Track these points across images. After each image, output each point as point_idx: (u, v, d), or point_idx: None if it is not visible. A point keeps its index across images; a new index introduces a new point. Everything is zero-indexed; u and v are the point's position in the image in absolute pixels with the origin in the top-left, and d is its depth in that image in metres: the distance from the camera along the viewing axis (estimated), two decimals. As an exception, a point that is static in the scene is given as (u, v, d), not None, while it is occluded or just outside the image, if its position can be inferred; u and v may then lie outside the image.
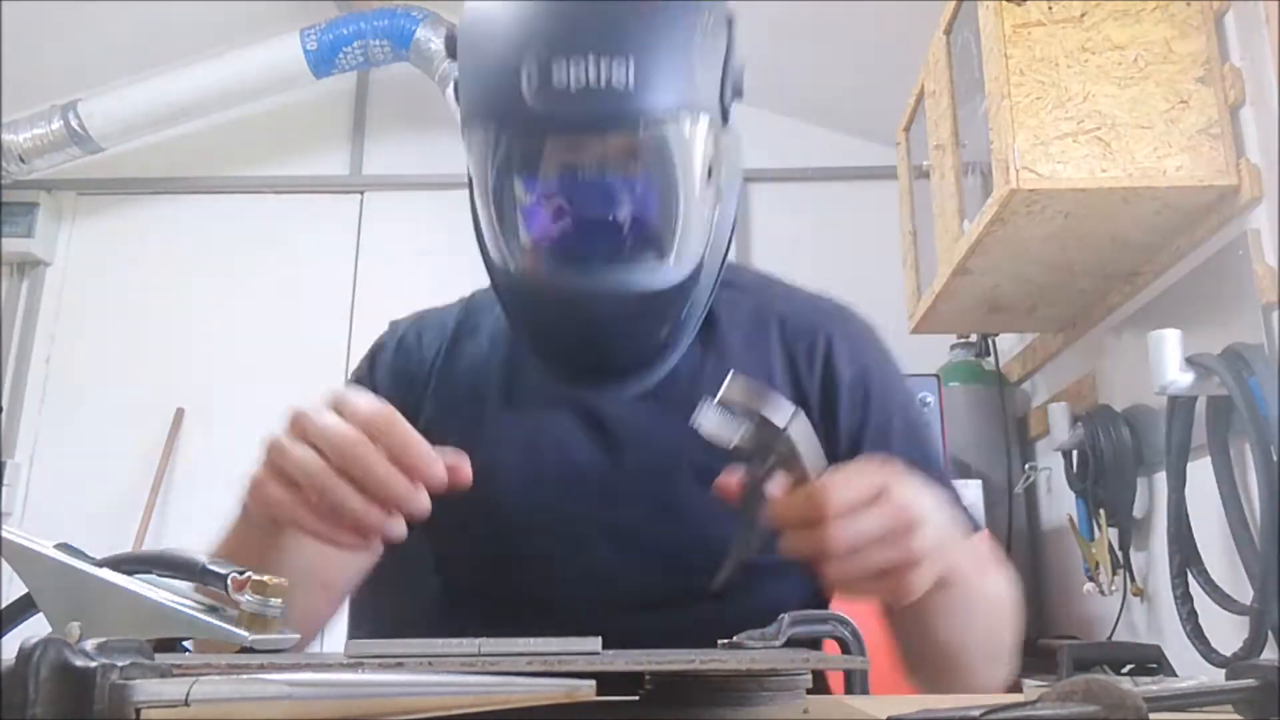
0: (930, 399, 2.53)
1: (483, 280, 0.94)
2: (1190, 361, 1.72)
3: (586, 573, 0.89)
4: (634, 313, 0.85)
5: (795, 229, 3.45)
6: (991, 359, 2.91)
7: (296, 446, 0.65)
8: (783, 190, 3.51)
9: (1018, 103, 1.82)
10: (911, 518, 0.64)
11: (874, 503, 0.63)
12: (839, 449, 0.91)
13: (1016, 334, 2.91)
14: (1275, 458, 1.55)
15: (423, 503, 0.65)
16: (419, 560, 0.96)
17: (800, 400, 0.91)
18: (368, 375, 1.01)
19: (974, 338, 2.97)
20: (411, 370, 0.98)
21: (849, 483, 0.64)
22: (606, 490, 0.90)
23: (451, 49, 0.86)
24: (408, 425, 0.66)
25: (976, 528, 0.93)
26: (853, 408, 0.93)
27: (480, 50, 0.82)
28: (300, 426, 0.66)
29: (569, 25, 0.79)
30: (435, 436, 0.72)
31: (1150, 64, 1.83)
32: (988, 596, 0.85)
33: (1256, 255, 1.73)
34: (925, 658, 0.86)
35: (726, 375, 0.85)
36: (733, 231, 0.92)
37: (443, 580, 0.98)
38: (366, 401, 0.67)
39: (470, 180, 0.87)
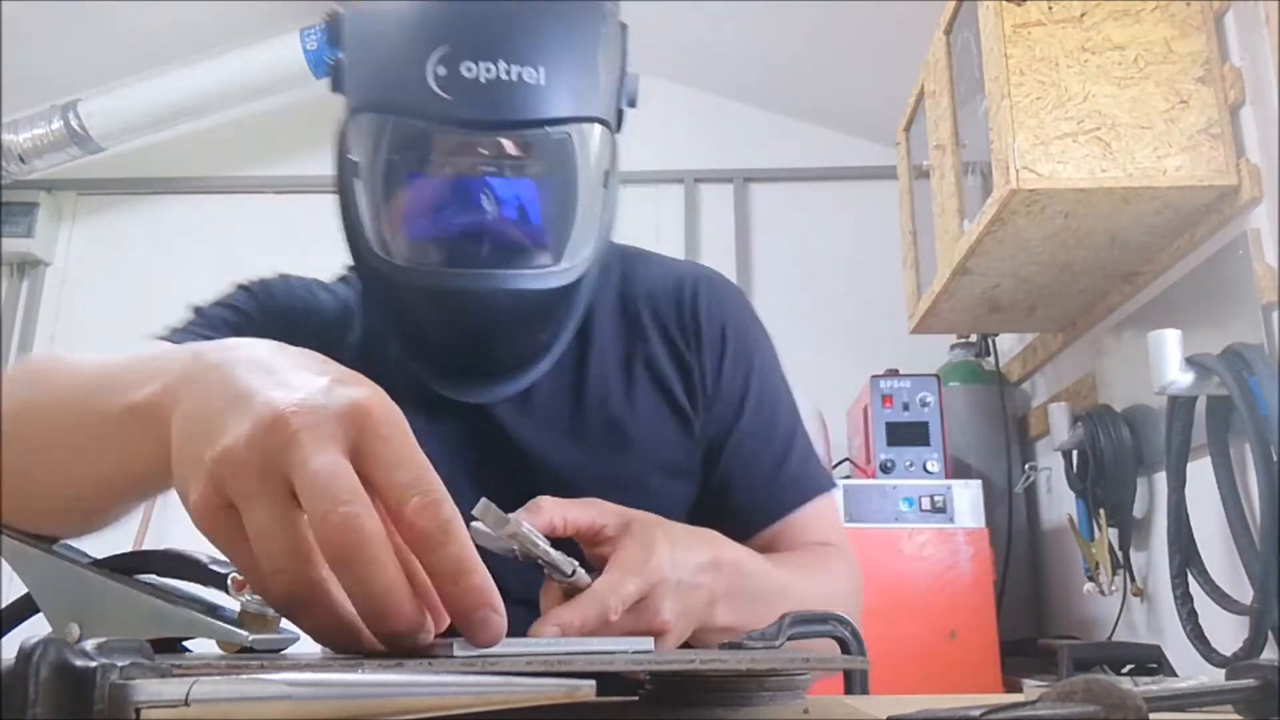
0: (931, 399, 2.53)
1: None
2: (1190, 361, 1.72)
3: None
4: (522, 314, 0.84)
5: (795, 229, 3.45)
6: (991, 359, 2.91)
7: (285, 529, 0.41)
8: (783, 190, 3.51)
9: (1018, 103, 1.82)
10: (658, 601, 0.66)
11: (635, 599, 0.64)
12: (714, 405, 0.95)
13: (1016, 334, 2.92)
14: (1275, 458, 1.55)
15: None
16: None
17: (685, 370, 0.94)
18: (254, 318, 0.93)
19: (974, 338, 2.98)
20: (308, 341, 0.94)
21: (606, 597, 0.62)
22: (498, 494, 0.89)
23: (335, 33, 0.85)
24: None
25: (825, 489, 0.96)
26: (715, 369, 0.96)
27: (385, 36, 0.80)
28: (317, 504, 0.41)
29: (480, 21, 0.78)
30: None
31: (1150, 64, 1.83)
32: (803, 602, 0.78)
33: (1256, 255, 1.73)
34: None
35: (601, 371, 0.92)
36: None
37: None
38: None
39: (343, 170, 0.85)
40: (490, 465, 0.91)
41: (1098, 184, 1.77)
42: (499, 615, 0.42)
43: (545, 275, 0.82)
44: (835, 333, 3.25)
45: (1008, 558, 2.61)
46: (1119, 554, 2.14)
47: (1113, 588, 2.15)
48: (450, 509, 0.42)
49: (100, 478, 0.54)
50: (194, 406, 0.45)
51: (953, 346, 3.02)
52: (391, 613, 0.40)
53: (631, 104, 0.87)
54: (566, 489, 0.88)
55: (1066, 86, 1.82)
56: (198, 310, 0.91)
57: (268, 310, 0.93)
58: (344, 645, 0.43)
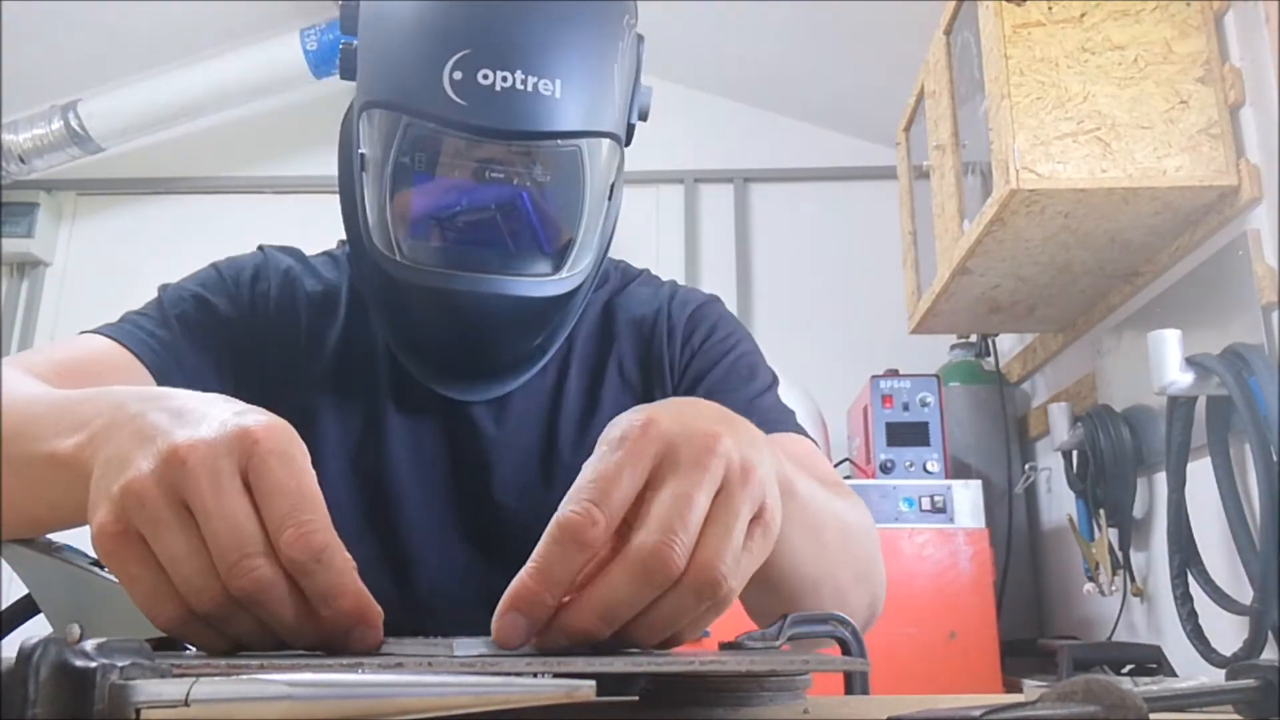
0: (931, 399, 2.53)
1: None
2: (1190, 361, 1.73)
3: (452, 573, 0.90)
4: (519, 319, 0.85)
5: (795, 229, 3.45)
6: (991, 359, 2.91)
7: (178, 536, 0.44)
8: (783, 190, 3.51)
9: (1018, 103, 1.82)
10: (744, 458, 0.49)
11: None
12: (686, 373, 0.95)
13: (1016, 334, 2.92)
14: (1275, 457, 1.55)
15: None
16: None
17: (657, 366, 0.95)
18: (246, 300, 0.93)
19: (974, 338, 2.98)
20: (294, 331, 0.93)
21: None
22: (471, 494, 0.91)
23: (351, 19, 0.85)
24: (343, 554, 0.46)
25: (804, 434, 0.93)
26: (684, 347, 0.97)
27: (403, 32, 0.80)
28: (201, 503, 0.44)
29: (500, 28, 0.78)
30: (326, 418, 0.76)
31: (1150, 64, 1.83)
32: (836, 514, 0.72)
33: (1256, 255, 1.73)
34: (776, 585, 0.67)
35: (579, 378, 0.93)
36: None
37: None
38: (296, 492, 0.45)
39: (349, 163, 0.85)
40: (462, 462, 0.91)
41: (1098, 184, 1.77)
42: (373, 629, 0.46)
43: (545, 283, 0.83)
44: (835, 333, 3.25)
45: (1008, 558, 2.61)
46: (1119, 554, 2.15)
47: (1113, 588, 2.15)
48: (322, 538, 0.44)
49: (32, 514, 0.59)
50: (111, 450, 0.49)
51: (953, 347, 3.02)
52: (296, 642, 0.46)
53: (643, 118, 0.88)
54: (533, 495, 0.90)
55: (1066, 87, 1.82)
56: (159, 303, 0.90)
57: (236, 301, 0.92)
58: (270, 644, 0.47)
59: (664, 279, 1.06)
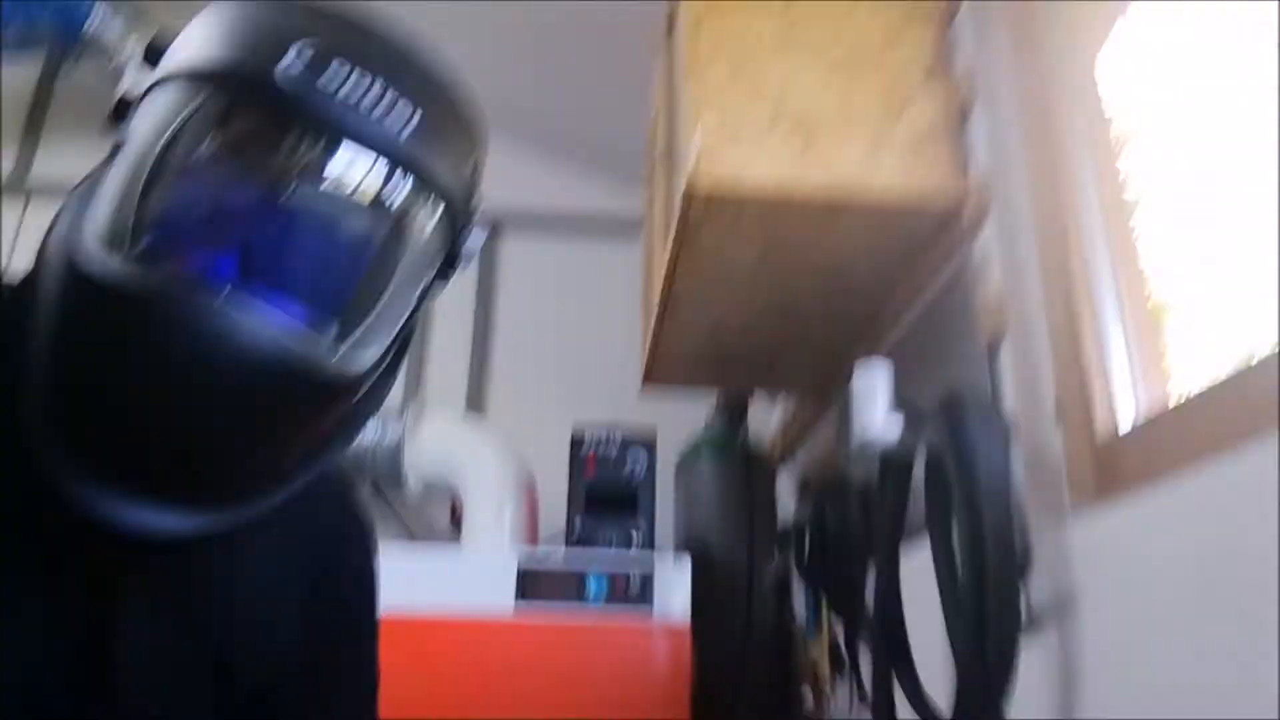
0: (641, 465, 2.14)
1: None
2: (900, 409, 1.39)
3: None
4: (292, 396, 0.64)
5: (542, 278, 3.09)
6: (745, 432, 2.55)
7: None
8: (531, 237, 3.16)
9: (706, 84, 1.48)
10: None
11: None
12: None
13: (770, 401, 2.58)
14: (986, 530, 1.19)
15: None
16: None
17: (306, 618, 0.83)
18: None
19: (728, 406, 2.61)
20: None
21: None
22: None
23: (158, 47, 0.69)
24: None
25: None
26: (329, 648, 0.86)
27: (245, 9, 0.66)
28: None
29: (363, 25, 0.67)
30: None
31: (864, 60, 1.53)
32: None
33: (981, 285, 1.43)
34: None
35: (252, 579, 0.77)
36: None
37: None
38: None
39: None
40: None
41: (792, 188, 1.43)
42: None
43: (337, 354, 0.65)
44: (575, 397, 2.87)
45: (742, 659, 2.20)
46: (844, 652, 1.77)
47: (835, 692, 1.77)
48: None
49: None
50: None
51: (709, 421, 2.65)
52: None
53: (470, 258, 0.76)
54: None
55: (765, 72, 1.49)
56: None
57: None
58: None
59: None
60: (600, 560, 1.95)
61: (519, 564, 1.94)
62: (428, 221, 0.70)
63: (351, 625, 0.89)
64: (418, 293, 0.73)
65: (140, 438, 0.60)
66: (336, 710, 0.87)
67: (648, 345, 2.04)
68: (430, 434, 2.45)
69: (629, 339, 2.40)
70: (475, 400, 3.00)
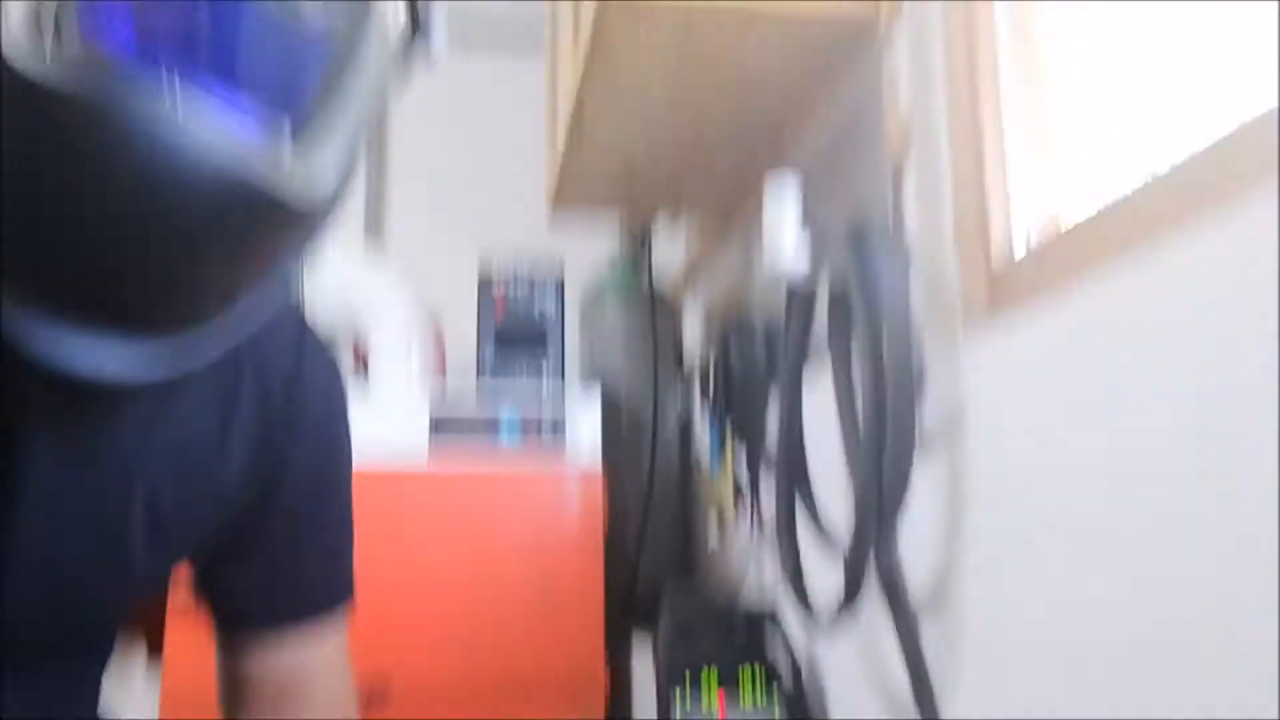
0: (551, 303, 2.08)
1: None
2: (808, 226, 1.34)
3: None
4: (241, 217, 0.56)
5: (436, 93, 2.90)
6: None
7: None
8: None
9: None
10: None
11: None
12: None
13: (671, 226, 2.49)
14: (885, 357, 1.17)
15: None
16: None
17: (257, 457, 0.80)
18: None
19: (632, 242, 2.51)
20: None
21: None
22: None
23: None
24: None
25: (341, 599, 0.90)
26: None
27: None
28: None
29: None
30: None
31: None
32: None
33: (890, 105, 1.36)
34: None
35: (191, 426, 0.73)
36: None
37: None
38: None
39: None
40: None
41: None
42: None
43: (301, 172, 0.57)
44: (481, 229, 2.76)
45: (647, 506, 2.20)
46: (745, 485, 1.78)
47: (739, 526, 1.79)
48: None
49: None
50: None
51: (612, 261, 2.55)
52: None
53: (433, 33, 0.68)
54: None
55: None
56: None
57: None
58: None
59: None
60: (513, 394, 1.92)
61: (430, 413, 1.90)
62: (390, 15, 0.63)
63: (312, 473, 0.85)
64: (378, 83, 0.63)
65: (82, 263, 0.54)
66: (299, 564, 0.86)
67: (558, 164, 1.95)
68: (330, 273, 2.33)
69: (532, 159, 2.29)
70: (374, 225, 2.86)
